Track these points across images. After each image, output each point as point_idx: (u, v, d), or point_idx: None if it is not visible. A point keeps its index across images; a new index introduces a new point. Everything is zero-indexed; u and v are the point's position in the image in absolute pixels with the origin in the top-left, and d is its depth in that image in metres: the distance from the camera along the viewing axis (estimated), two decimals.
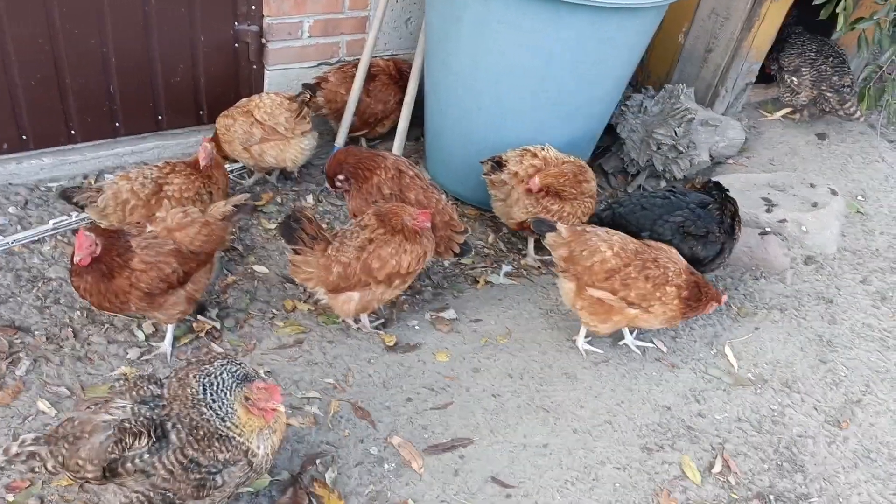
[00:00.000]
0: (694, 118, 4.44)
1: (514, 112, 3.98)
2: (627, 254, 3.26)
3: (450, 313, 3.65)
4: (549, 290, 3.90)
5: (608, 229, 3.39)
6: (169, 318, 3.15)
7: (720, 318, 3.73)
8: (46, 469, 2.32)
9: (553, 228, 3.32)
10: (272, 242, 3.94)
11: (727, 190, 3.69)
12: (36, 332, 3.22)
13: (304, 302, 3.59)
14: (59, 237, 3.70)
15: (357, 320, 3.45)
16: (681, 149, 4.42)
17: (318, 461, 2.86)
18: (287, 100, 3.99)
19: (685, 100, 4.49)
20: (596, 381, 3.36)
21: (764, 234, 4.08)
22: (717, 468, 3.03)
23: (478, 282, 3.92)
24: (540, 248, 4.15)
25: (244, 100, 4.03)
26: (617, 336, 3.56)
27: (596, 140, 4.48)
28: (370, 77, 4.42)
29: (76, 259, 2.82)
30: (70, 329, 3.27)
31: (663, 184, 4.59)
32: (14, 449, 2.29)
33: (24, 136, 3.88)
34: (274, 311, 3.54)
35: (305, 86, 4.17)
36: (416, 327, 3.56)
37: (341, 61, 4.60)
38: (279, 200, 4.27)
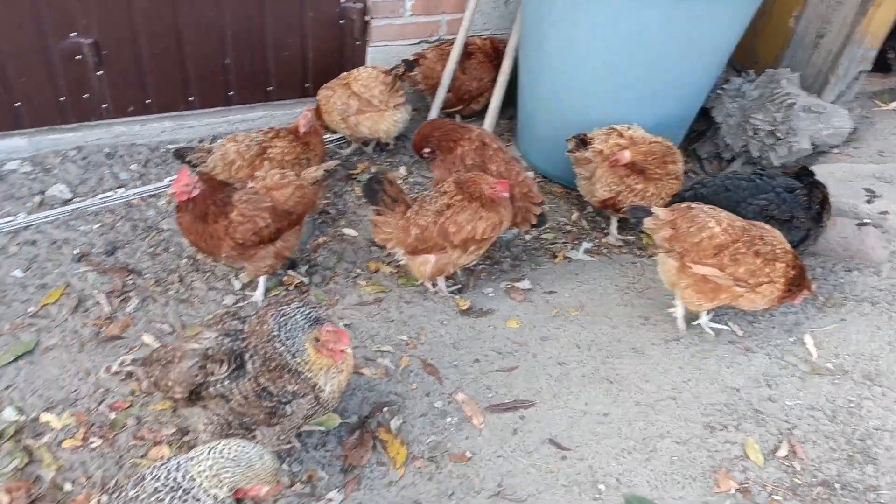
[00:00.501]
0: (794, 104, 4.29)
1: (602, 91, 4.01)
2: (735, 230, 3.22)
3: (525, 284, 3.74)
4: (627, 269, 3.91)
5: (712, 206, 3.36)
6: (256, 271, 3.42)
7: (804, 306, 3.61)
8: (142, 389, 2.61)
9: (649, 213, 3.32)
10: (363, 208, 4.16)
11: (812, 172, 3.58)
12: (146, 276, 3.59)
13: (387, 264, 3.79)
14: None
15: (434, 284, 3.61)
16: (779, 135, 4.28)
17: (385, 409, 3.04)
18: (383, 73, 4.19)
19: (787, 85, 4.34)
20: (664, 358, 3.36)
21: (862, 224, 3.89)
22: (783, 452, 2.97)
23: (556, 256, 3.99)
24: (623, 227, 4.17)
25: (344, 73, 4.27)
26: (690, 317, 3.54)
27: (688, 123, 4.42)
28: (467, 55, 4.56)
29: (170, 190, 3.12)
30: (176, 275, 3.61)
31: None
32: (115, 367, 2.59)
33: (149, 101, 4.29)
34: (358, 270, 3.76)
35: (404, 62, 4.35)
36: (491, 294, 3.68)
37: (441, 39, 4.76)
38: (373, 170, 4.49)
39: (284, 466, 2.78)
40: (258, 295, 3.51)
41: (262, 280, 3.51)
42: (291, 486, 2.74)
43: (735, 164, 4.59)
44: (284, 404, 2.53)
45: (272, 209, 3.29)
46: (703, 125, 4.69)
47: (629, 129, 3.87)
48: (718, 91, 4.53)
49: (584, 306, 3.63)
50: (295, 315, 2.57)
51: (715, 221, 3.23)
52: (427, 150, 3.69)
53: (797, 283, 3.22)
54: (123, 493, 2.12)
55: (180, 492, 2.05)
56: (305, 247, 3.85)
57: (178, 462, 2.13)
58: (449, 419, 3.03)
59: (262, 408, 2.51)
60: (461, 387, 3.17)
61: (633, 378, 3.26)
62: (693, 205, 3.35)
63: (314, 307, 2.65)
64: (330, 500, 2.71)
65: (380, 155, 4.64)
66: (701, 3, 3.55)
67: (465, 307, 3.55)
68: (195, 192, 3.16)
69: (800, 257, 3.28)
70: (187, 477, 2.07)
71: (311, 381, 2.53)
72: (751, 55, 5.14)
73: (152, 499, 2.05)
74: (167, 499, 2.05)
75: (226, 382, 2.50)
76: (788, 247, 3.24)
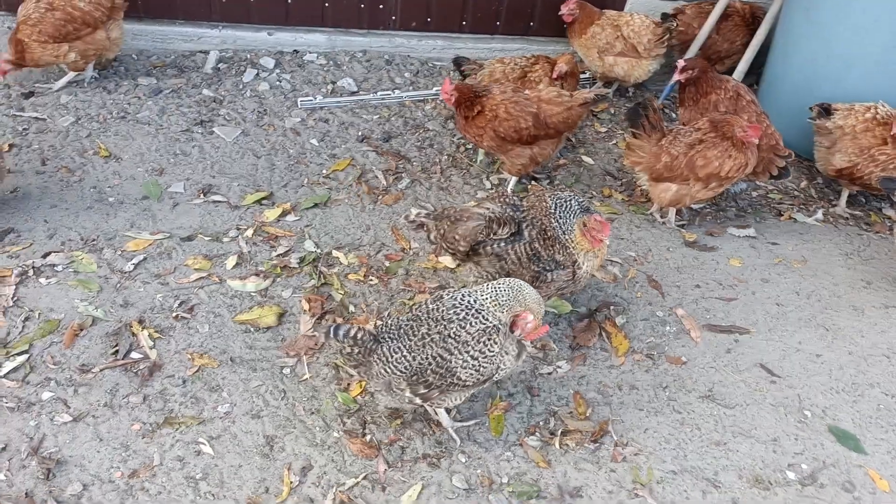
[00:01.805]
0: None
1: (863, 66, 4.11)
2: None
3: (750, 231, 3.98)
4: (852, 238, 4.04)
5: None
6: (511, 167, 3.91)
7: None
8: (430, 239, 3.15)
9: None
10: (601, 142, 4.54)
11: None
12: (414, 163, 4.17)
13: (620, 193, 4.15)
14: (438, 101, 4.64)
15: (664, 215, 3.93)
16: None
17: (611, 307, 3.43)
18: (654, 23, 4.50)
19: None
20: (883, 321, 3.51)
21: None
22: None
23: (782, 215, 4.18)
24: (851, 203, 4.27)
25: (614, 13, 4.61)
26: None
27: None
28: (724, 17, 4.76)
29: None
30: (438, 167, 4.17)
31: None
32: (412, 216, 3.13)
33: (429, 20, 4.87)
34: (593, 193, 4.16)
35: (663, 15, 4.63)
36: (716, 234, 3.96)
37: None
38: (612, 111, 4.85)
39: None
40: (508, 190, 4.01)
41: (512, 180, 3.99)
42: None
43: None
44: (548, 272, 2.98)
45: (535, 115, 3.74)
46: None
47: (868, 108, 3.96)
48: None
49: (807, 261, 3.82)
50: (570, 200, 3.01)
51: None
52: (689, 70, 3.95)
53: None
54: (423, 306, 2.65)
55: (473, 310, 2.55)
56: (548, 164, 4.29)
57: (466, 291, 2.63)
58: (668, 328, 3.38)
59: (530, 270, 2.97)
60: (681, 304, 3.50)
61: (849, 331, 3.44)
62: None
63: (584, 199, 3.08)
64: (559, 366, 3.15)
65: (619, 99, 4.98)
66: None
67: (691, 239, 3.86)
68: (452, 98, 3.78)
69: None
70: (477, 301, 2.57)
71: (573, 256, 2.97)
72: None
73: (450, 311, 2.56)
74: (462, 313, 2.55)
75: (502, 244, 2.99)
76: None
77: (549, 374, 3.12)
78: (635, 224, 3.95)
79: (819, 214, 4.19)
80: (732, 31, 4.80)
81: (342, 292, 3.35)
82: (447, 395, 2.65)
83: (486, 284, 2.64)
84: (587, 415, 2.96)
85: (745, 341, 3.35)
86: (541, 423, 2.92)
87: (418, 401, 2.63)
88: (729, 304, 3.53)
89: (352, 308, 3.30)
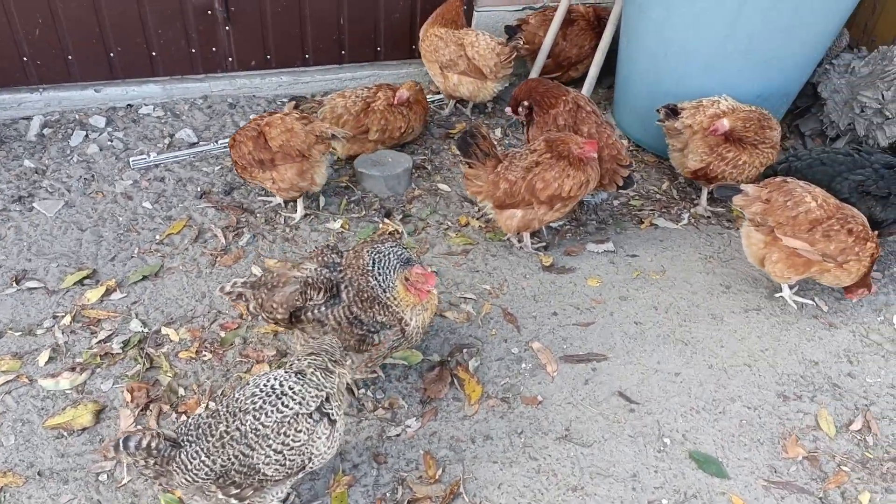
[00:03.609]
0: None
1: (702, 59, 4.01)
2: (830, 207, 3.26)
3: (609, 245, 3.84)
4: (713, 239, 3.94)
5: (806, 182, 3.37)
6: (272, 186, 3.80)
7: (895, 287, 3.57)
8: (249, 309, 2.91)
9: (738, 191, 3.37)
10: (458, 166, 4.35)
11: None
12: (258, 215, 3.92)
13: (477, 219, 3.98)
14: None
15: (520, 239, 3.77)
16: (888, 114, 4.14)
17: (465, 350, 3.24)
18: (499, 45, 4.30)
19: None
20: (742, 326, 3.40)
21: None
22: (857, 426, 2.98)
23: (643, 222, 4.05)
24: (713, 199, 4.18)
25: (463, 31, 4.40)
26: (773, 289, 3.56)
27: (791, 98, 4.34)
28: (569, 22, 4.64)
29: None
30: (282, 217, 3.93)
31: None
32: (228, 287, 2.89)
33: (269, 57, 4.62)
34: (449, 223, 3.97)
35: (507, 28, 4.47)
36: (574, 254, 3.80)
37: (545, 6, 4.84)
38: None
39: (369, 393, 3.04)
40: (297, 214, 3.93)
41: (299, 202, 3.93)
42: (374, 410, 2.99)
43: (839, 142, 4.47)
44: (373, 333, 2.77)
45: (255, 139, 3.70)
46: (807, 101, 4.58)
47: (713, 103, 3.86)
48: (826, 66, 4.41)
49: (666, 271, 3.70)
50: (389, 254, 2.80)
51: (811, 196, 3.25)
52: (525, 104, 3.80)
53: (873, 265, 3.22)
54: (225, 399, 2.41)
55: (273, 397, 2.30)
56: (401, 197, 4.09)
57: (273, 374, 2.39)
58: (524, 365, 3.21)
59: (354, 334, 2.76)
60: (538, 336, 3.33)
61: (709, 342, 3.32)
62: (788, 179, 3.36)
63: (406, 248, 2.88)
64: (408, 426, 2.95)
65: (477, 117, 4.81)
66: None
67: (548, 263, 3.70)
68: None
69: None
70: (283, 385, 2.33)
71: (399, 315, 2.76)
72: (867, 33, 4.95)
73: (247, 401, 2.31)
74: (259, 402, 2.29)
75: (322, 309, 2.76)
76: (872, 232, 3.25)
77: (398, 435, 2.91)
78: (491, 253, 3.78)
79: (685, 219, 4.09)
80: (579, 35, 4.67)
81: (171, 374, 3.08)
82: (265, 492, 2.42)
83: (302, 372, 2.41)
84: (437, 477, 2.76)
85: (604, 368, 3.20)
86: (387, 494, 2.70)
87: (234, 502, 2.39)
88: (586, 329, 3.38)
89: (182, 391, 3.03)
